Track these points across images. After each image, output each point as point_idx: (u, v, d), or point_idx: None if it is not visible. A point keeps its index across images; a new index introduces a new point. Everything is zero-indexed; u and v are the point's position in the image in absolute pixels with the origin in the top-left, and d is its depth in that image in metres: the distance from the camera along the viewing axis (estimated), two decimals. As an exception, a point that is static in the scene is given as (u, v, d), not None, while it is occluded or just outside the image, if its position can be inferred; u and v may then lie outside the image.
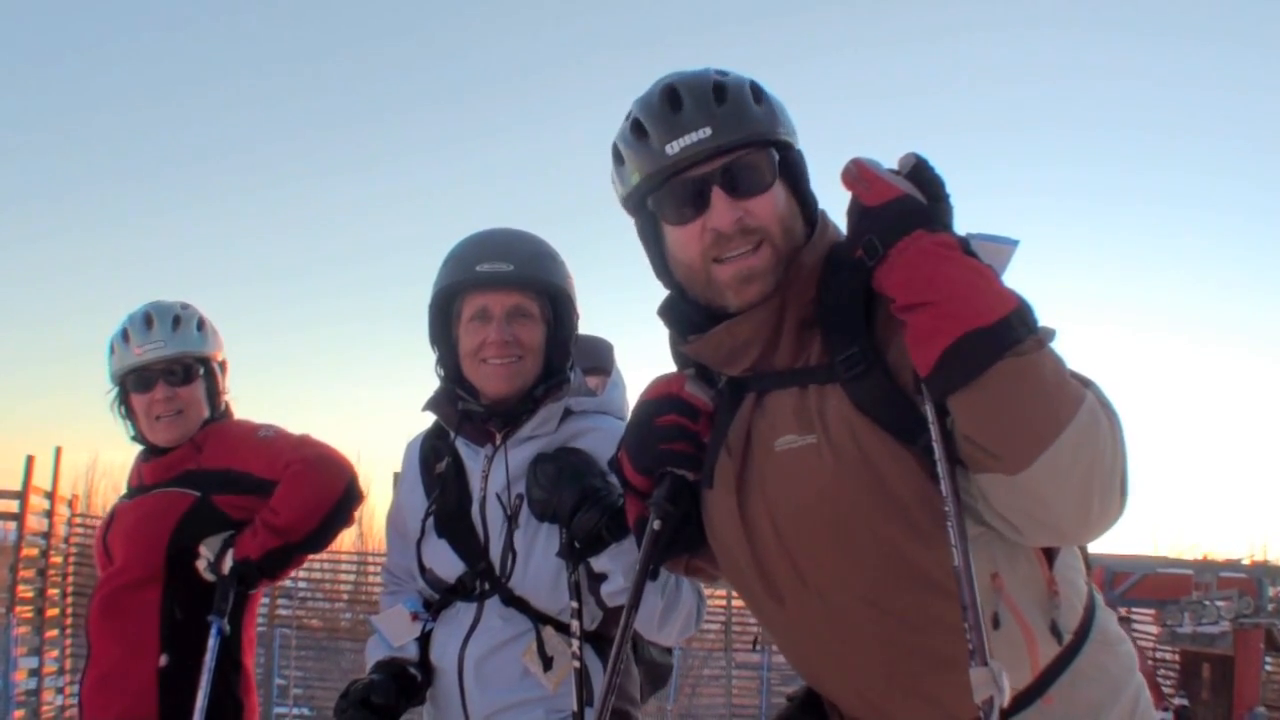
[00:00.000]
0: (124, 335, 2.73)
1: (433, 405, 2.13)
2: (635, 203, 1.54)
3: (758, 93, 1.48)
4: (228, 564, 2.59)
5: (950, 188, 1.37)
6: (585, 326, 2.18)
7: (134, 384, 2.73)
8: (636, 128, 1.49)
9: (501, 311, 2.00)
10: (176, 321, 2.74)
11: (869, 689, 1.47)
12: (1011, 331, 1.25)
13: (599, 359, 2.26)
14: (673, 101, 1.46)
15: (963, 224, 1.37)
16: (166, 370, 2.71)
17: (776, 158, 1.48)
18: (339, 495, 2.68)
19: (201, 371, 2.77)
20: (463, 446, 2.13)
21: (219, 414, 2.81)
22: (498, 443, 2.08)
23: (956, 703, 1.30)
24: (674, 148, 1.44)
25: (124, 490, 2.94)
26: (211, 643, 2.56)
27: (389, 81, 32.67)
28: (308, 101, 31.67)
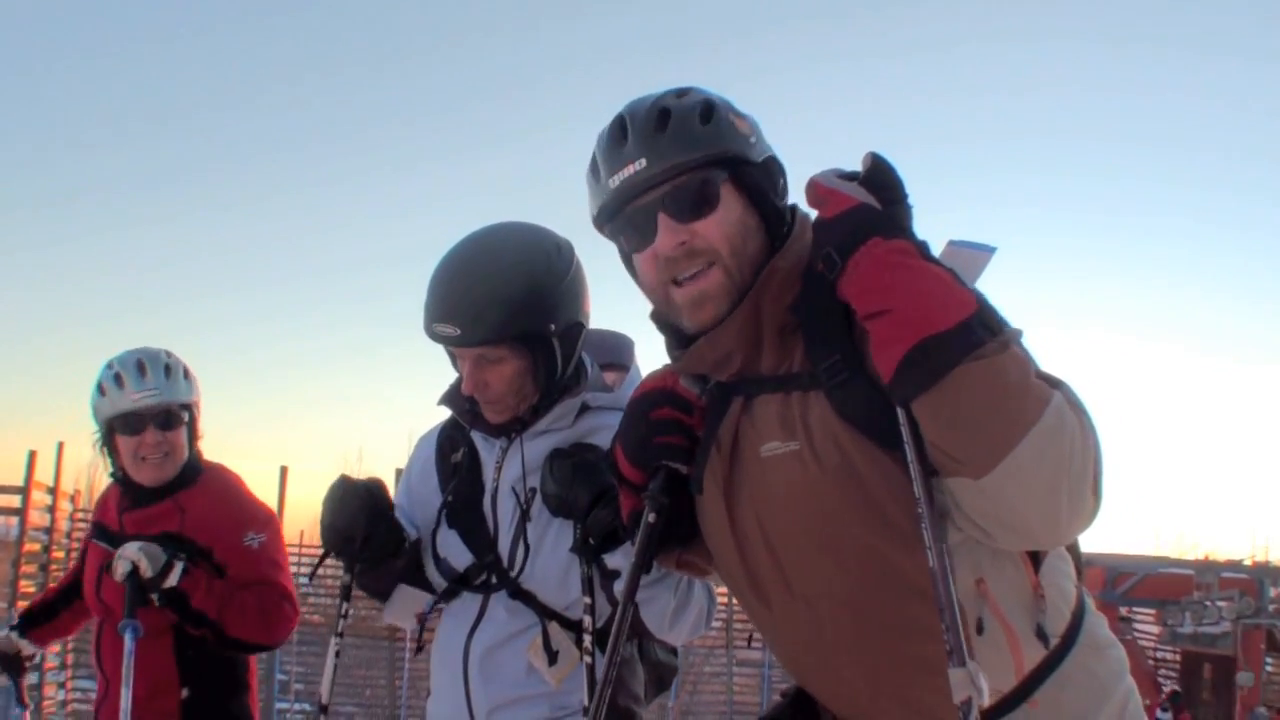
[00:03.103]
0: (117, 379, 2.86)
1: (447, 400, 2.13)
2: (604, 231, 1.56)
3: (708, 111, 1.46)
4: (173, 578, 2.73)
5: (909, 188, 1.35)
6: (608, 321, 2.15)
7: (123, 427, 2.87)
8: (593, 162, 1.52)
9: (468, 362, 1.98)
10: (168, 370, 2.90)
11: (853, 693, 1.47)
12: (971, 335, 1.23)
13: (618, 355, 2.23)
14: (620, 134, 1.48)
15: (953, 231, 1.37)
16: (156, 416, 2.87)
17: (724, 176, 1.46)
18: (272, 642, 2.98)
19: (186, 418, 2.94)
20: (478, 438, 2.13)
21: (194, 456, 2.97)
22: (513, 435, 2.07)
23: (939, 708, 1.29)
24: (614, 181, 1.47)
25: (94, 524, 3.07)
26: (128, 646, 2.69)
27: (405, 89, 32.67)
28: (322, 109, 31.71)
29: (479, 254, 2.00)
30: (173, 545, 2.79)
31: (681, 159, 1.44)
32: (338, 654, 2.13)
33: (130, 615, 2.69)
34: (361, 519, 2.01)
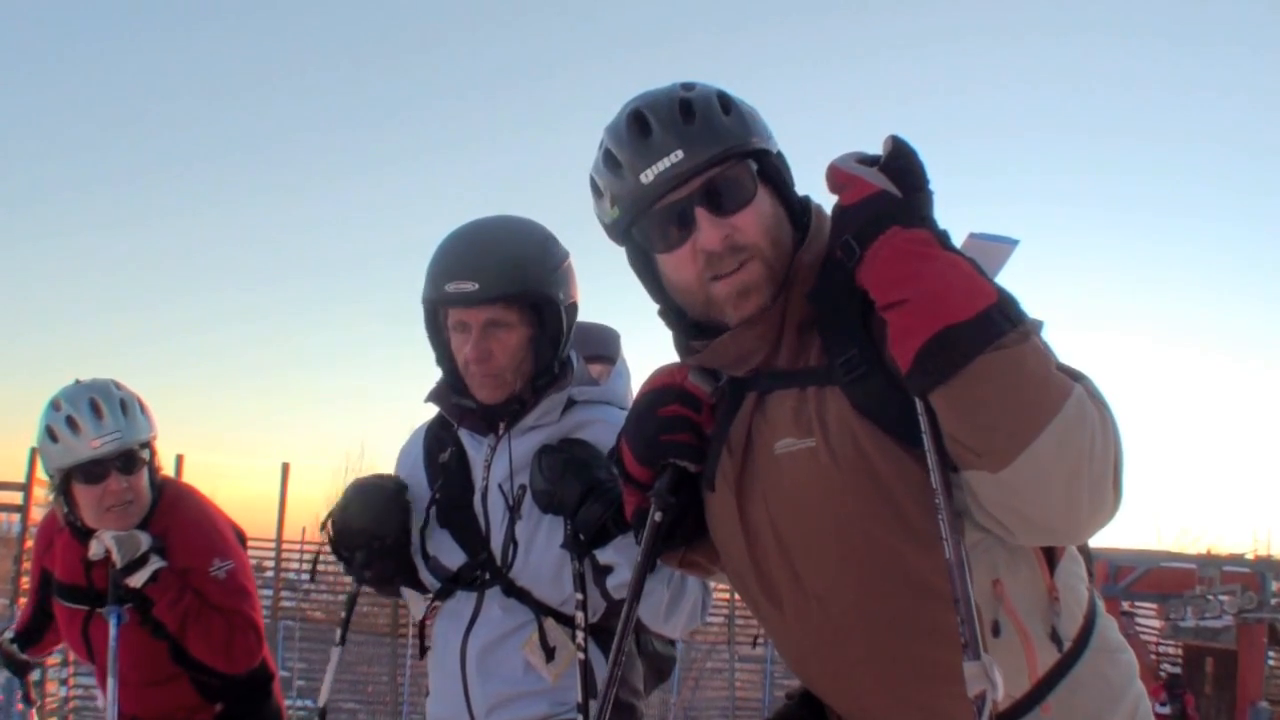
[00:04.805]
0: (70, 424, 2.60)
1: (434, 397, 2.11)
2: (620, 234, 1.51)
3: (726, 103, 1.43)
4: (139, 579, 2.62)
5: (930, 173, 1.32)
6: (594, 314, 2.15)
7: (83, 476, 2.63)
8: (609, 159, 1.46)
9: (478, 325, 1.96)
10: (124, 407, 2.66)
11: (864, 696, 1.44)
12: (991, 325, 1.21)
13: (604, 347, 2.23)
14: (641, 127, 1.42)
15: (970, 225, 1.34)
16: (118, 460, 2.64)
17: (755, 167, 1.44)
18: (232, 671, 2.74)
19: (146, 457, 2.73)
20: (466, 436, 2.12)
21: (157, 491, 2.77)
22: (500, 432, 2.07)
23: (952, 713, 1.27)
24: (648, 176, 1.40)
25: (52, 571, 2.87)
26: (113, 631, 2.63)
27: (403, 83, 32.67)
28: (323, 104, 31.72)
29: (487, 226, 2.03)
30: (158, 550, 2.67)
31: (720, 149, 1.40)
32: (331, 659, 2.15)
33: (115, 601, 2.62)
34: (392, 522, 2.06)
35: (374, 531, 2.06)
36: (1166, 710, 12.72)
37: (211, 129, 33.00)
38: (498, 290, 1.92)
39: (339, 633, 2.19)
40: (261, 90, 32.86)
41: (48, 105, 31.20)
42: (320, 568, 2.12)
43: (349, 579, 2.17)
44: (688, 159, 1.39)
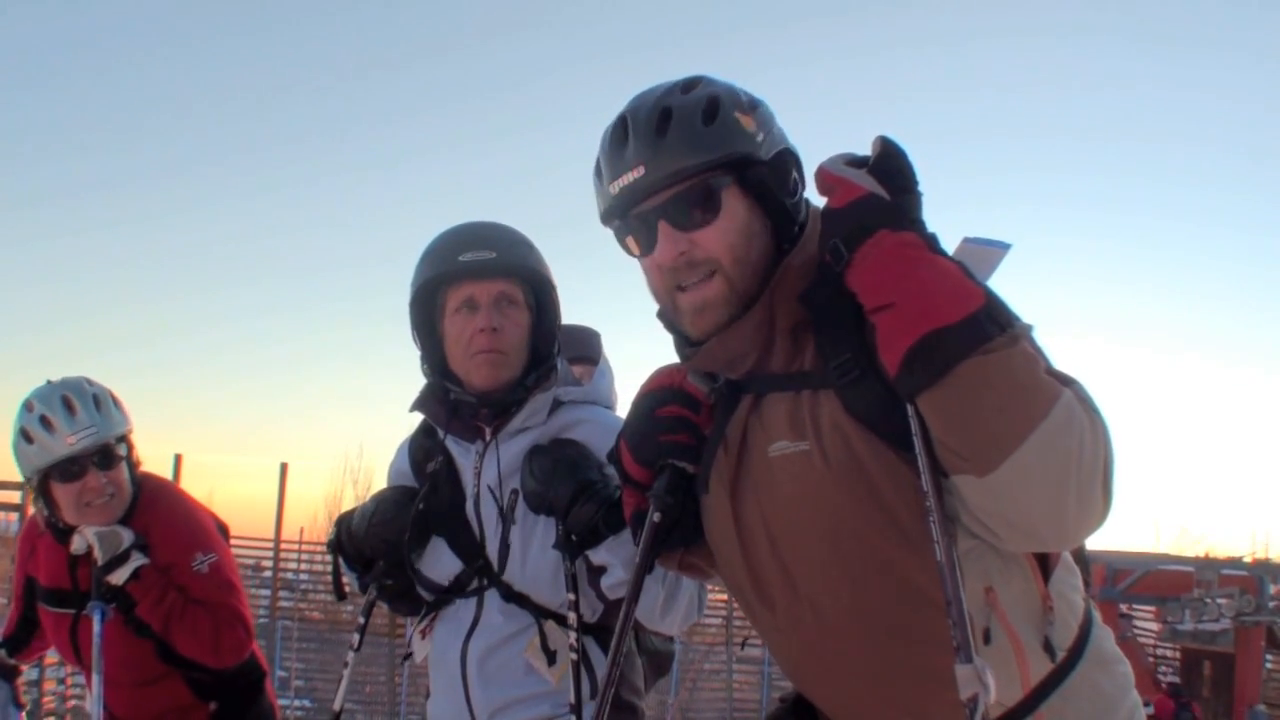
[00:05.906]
0: (44, 423, 2.59)
1: (420, 405, 2.11)
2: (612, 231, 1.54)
3: (713, 111, 1.41)
4: (120, 576, 2.61)
5: (919, 174, 1.32)
6: (577, 315, 2.17)
7: (60, 474, 2.62)
8: (597, 164, 1.49)
9: (488, 300, 1.98)
10: (97, 402, 2.65)
11: (857, 701, 1.45)
12: (978, 329, 1.21)
13: (586, 348, 2.25)
14: (622, 136, 1.44)
15: (960, 229, 1.34)
16: (94, 456, 2.62)
17: (728, 181, 1.42)
18: (220, 666, 2.74)
19: (124, 451, 2.71)
20: (453, 444, 2.11)
21: (136, 487, 2.76)
22: (488, 438, 2.07)
23: (944, 717, 1.28)
24: (615, 188, 1.44)
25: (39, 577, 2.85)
26: (96, 627, 2.61)
27: (402, 85, 32.70)
28: (322, 104, 31.75)
29: (485, 221, 2.07)
30: (140, 548, 2.66)
31: (681, 165, 1.40)
32: (347, 664, 2.18)
33: (98, 597, 2.61)
34: (406, 532, 2.05)
35: (397, 541, 2.06)
36: (1150, 710, 12.73)
37: (211, 130, 33.04)
38: (514, 259, 1.99)
39: (355, 638, 2.20)
40: (260, 91, 32.93)
41: (47, 106, 31.23)
42: (321, 568, 2.13)
43: (348, 580, 2.18)
44: (647, 175, 1.41)
